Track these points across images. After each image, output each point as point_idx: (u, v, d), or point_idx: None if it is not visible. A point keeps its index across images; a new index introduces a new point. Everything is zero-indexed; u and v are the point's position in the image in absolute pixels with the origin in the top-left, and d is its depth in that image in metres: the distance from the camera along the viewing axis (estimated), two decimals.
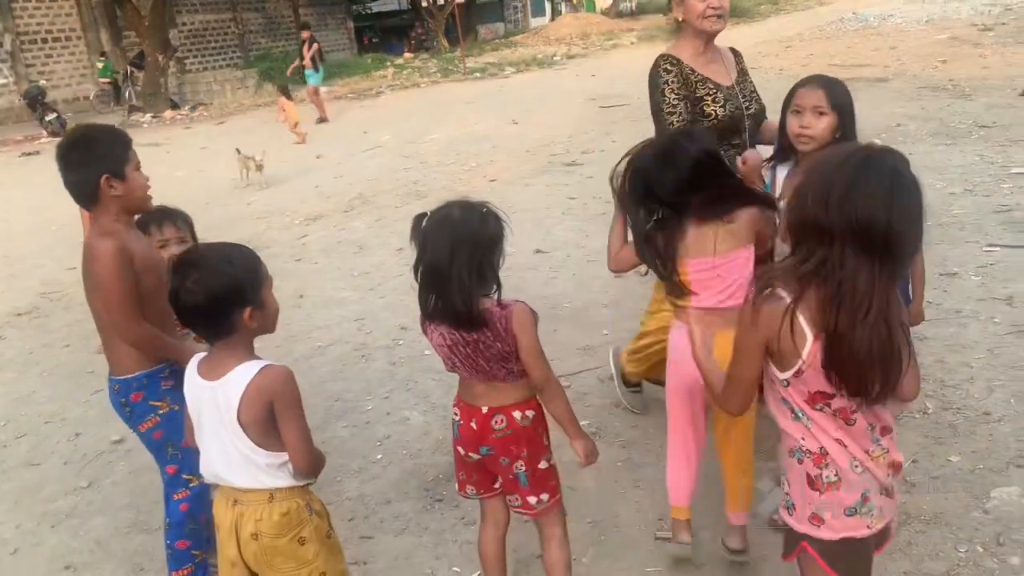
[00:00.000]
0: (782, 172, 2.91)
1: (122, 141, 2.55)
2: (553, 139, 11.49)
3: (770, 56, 19.19)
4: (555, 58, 24.84)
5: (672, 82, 3.23)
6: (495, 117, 14.21)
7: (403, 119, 15.32)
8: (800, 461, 1.79)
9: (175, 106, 21.08)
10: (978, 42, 17.38)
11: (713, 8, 3.15)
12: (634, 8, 45.64)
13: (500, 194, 8.52)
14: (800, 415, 1.76)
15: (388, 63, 26.76)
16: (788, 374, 1.71)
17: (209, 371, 2.04)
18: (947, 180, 7.16)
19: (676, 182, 2.44)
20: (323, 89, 17.58)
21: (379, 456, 3.70)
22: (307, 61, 16.43)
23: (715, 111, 3.23)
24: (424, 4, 34.31)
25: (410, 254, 2.24)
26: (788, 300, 1.64)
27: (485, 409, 2.31)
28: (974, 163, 7.78)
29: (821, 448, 1.75)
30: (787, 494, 1.85)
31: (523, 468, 2.33)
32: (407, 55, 30.27)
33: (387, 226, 7.72)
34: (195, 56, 25.58)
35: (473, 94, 18.18)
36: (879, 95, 12.12)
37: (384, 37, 36.50)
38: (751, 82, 3.40)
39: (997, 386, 3.60)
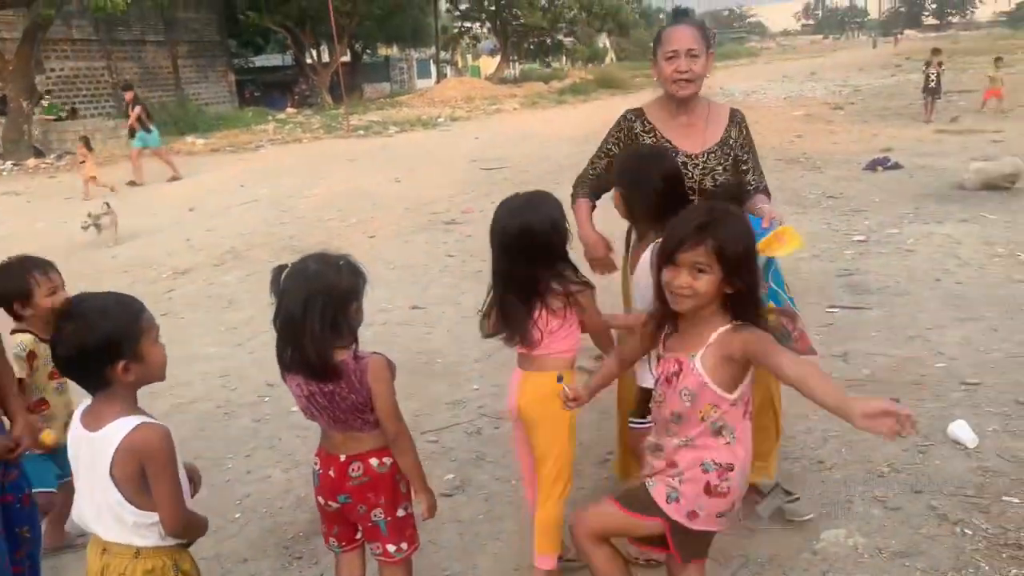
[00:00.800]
0: None
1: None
2: (434, 198, 11.66)
3: None
4: (439, 119, 25.26)
5: (616, 133, 3.26)
6: (377, 175, 14.29)
7: (283, 174, 15.18)
8: (706, 471, 2.17)
9: (39, 154, 20.15)
10: (830, 119, 18.87)
11: (680, 72, 3.02)
12: (517, 75, 47.12)
13: (379, 250, 8.58)
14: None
15: (270, 117, 26.53)
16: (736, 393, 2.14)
17: (90, 420, 2.01)
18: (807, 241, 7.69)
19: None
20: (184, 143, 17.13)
21: (237, 515, 3.61)
22: (132, 122, 15.46)
23: None
24: (308, 61, 34.32)
25: None
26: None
27: (343, 457, 2.35)
28: (822, 231, 8.40)
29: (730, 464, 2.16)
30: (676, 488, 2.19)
31: (381, 515, 2.36)
32: (290, 110, 30.11)
33: (259, 281, 7.59)
34: (65, 104, 24.59)
35: (356, 151, 18.22)
36: None
37: (266, 91, 36.23)
38: (735, 153, 3.15)
39: (831, 436, 3.88)
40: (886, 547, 3.00)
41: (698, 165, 3.10)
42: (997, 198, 9.43)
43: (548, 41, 44.11)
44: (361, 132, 22.53)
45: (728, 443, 2.17)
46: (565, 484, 2.76)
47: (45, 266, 2.98)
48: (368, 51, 42.28)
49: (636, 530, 2.30)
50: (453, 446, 4.16)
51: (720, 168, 3.11)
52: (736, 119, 3.19)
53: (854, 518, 3.20)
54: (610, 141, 3.30)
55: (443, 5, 42.54)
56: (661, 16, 79.57)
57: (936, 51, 18.64)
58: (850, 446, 3.77)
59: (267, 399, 4.82)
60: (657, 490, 2.22)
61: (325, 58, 36.71)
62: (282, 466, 4.04)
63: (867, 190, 10.46)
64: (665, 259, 2.11)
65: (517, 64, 49.96)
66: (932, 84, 17.61)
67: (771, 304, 2.68)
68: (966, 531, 3.05)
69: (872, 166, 11.98)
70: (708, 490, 2.16)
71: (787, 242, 2.60)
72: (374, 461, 2.34)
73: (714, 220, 2.07)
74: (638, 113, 3.23)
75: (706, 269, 2.05)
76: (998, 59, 19.02)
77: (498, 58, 49.38)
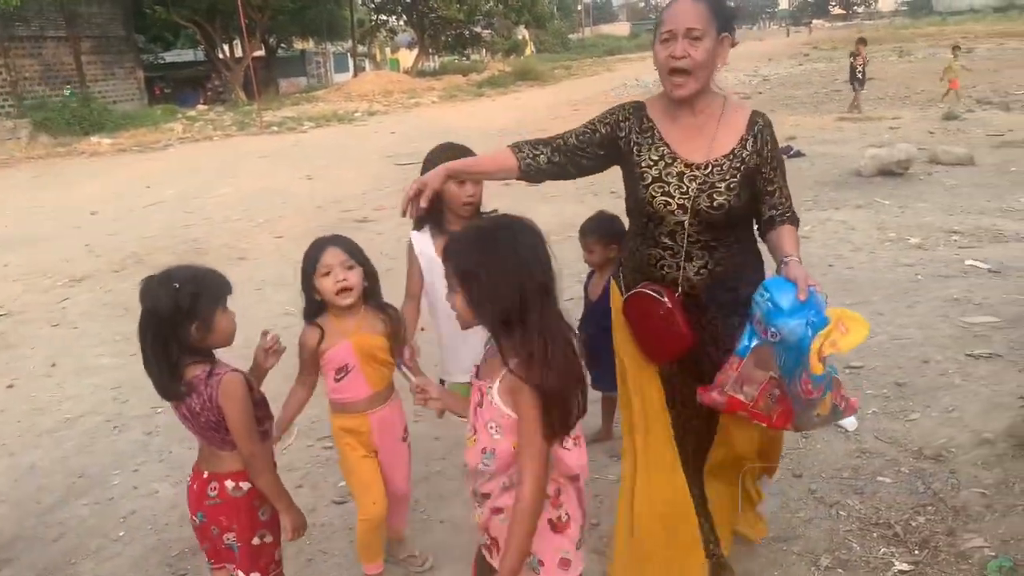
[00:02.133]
0: None
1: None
2: (346, 195, 11.50)
3: (559, 119, 20.25)
4: (356, 114, 24.92)
5: (598, 121, 2.57)
6: (289, 172, 14.02)
7: (191, 173, 14.75)
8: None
9: None
10: None
11: (674, 58, 2.31)
12: (436, 68, 46.85)
13: (285, 251, 8.41)
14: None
15: (180, 115, 25.74)
16: None
17: None
18: None
19: None
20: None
21: (121, 533, 3.49)
22: None
23: (638, 187, 2.47)
24: (220, 56, 33.42)
25: None
26: None
27: (205, 474, 2.31)
28: None
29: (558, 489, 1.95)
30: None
31: (234, 540, 2.31)
32: (201, 107, 29.28)
33: None
34: None
35: (269, 148, 17.84)
36: None
37: (177, 88, 35.08)
38: (748, 169, 2.39)
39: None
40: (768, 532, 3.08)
41: (696, 178, 2.39)
42: (891, 184, 9.81)
43: (466, 34, 43.93)
44: (275, 128, 22.06)
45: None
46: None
47: None
48: (283, 45, 41.38)
49: None
50: None
51: (723, 186, 2.37)
52: (757, 127, 2.42)
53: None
54: (598, 121, 2.58)
55: None
56: (579, 8, 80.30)
57: (861, 40, 18.13)
58: None
59: (160, 411, 4.67)
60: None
61: (239, 53, 35.83)
62: (171, 480, 3.93)
63: None
64: None
65: (436, 57, 49.67)
66: (860, 75, 17.34)
67: (828, 393, 2.26)
68: (840, 512, 3.16)
69: None
70: (553, 526, 1.94)
71: (850, 330, 2.12)
72: (229, 484, 2.30)
73: (455, 240, 1.93)
74: (638, 107, 2.55)
75: (456, 289, 1.89)
76: (956, 48, 18.99)
77: (416, 51, 49.07)
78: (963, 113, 14.91)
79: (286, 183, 12.91)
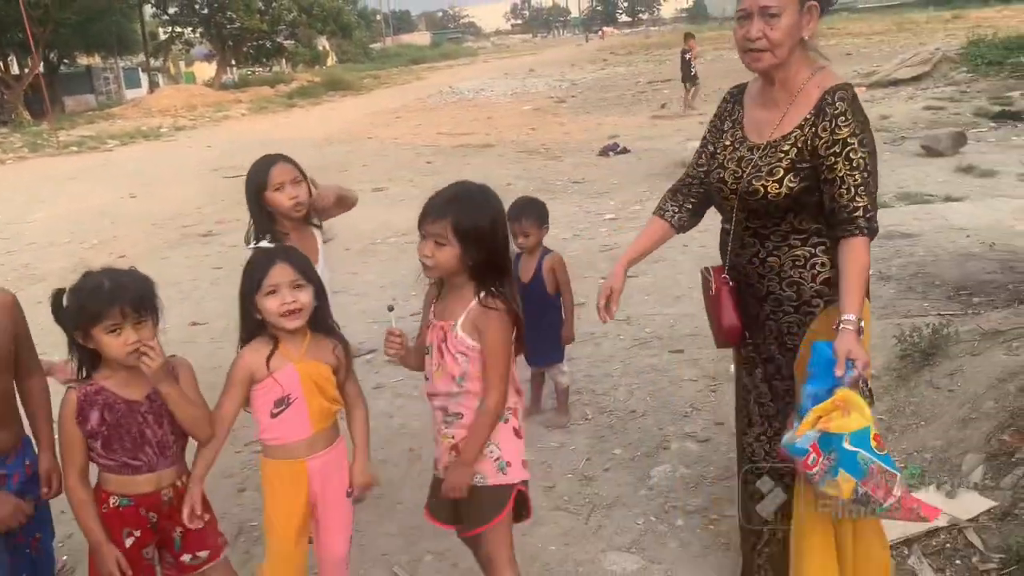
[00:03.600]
0: None
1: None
2: (180, 211, 11.00)
3: (381, 126, 20.31)
4: (162, 130, 23.65)
5: (714, 116, 2.55)
6: (108, 192, 13.16)
7: None
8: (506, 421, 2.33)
9: None
10: (556, 112, 20.17)
11: (748, 40, 2.20)
12: (236, 80, 45.18)
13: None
14: None
15: None
16: None
17: None
18: (558, 227, 8.25)
19: None
20: None
21: None
22: None
23: (711, 174, 2.44)
24: None
25: None
26: None
27: None
28: (575, 212, 9.07)
29: None
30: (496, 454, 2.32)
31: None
32: None
33: None
34: None
35: (74, 169, 16.59)
36: (487, 159, 13.51)
37: None
38: (804, 154, 2.21)
39: (635, 388, 4.31)
40: (707, 474, 3.42)
41: (751, 161, 2.29)
42: None
43: (268, 45, 42.68)
44: (75, 148, 20.50)
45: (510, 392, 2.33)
46: None
47: None
48: (66, 61, 38.40)
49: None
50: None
51: (766, 170, 2.25)
52: (826, 108, 2.18)
53: (674, 454, 3.60)
54: (706, 134, 2.56)
55: (149, 10, 39.63)
56: (377, 17, 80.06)
57: (689, 35, 18.16)
58: (654, 395, 4.21)
59: None
60: (487, 469, 2.30)
61: (15, 70, 32.94)
62: None
63: (605, 174, 11.41)
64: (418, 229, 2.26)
65: (235, 69, 47.88)
66: (693, 71, 17.35)
67: (847, 478, 1.99)
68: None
69: (605, 152, 13.07)
70: (517, 433, 2.36)
71: (850, 415, 1.99)
72: None
73: (456, 198, 2.23)
74: (739, 91, 2.49)
75: (444, 242, 2.18)
76: None
77: (214, 63, 47.05)
78: None
79: (108, 203, 12.14)
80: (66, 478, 2.21)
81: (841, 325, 2.06)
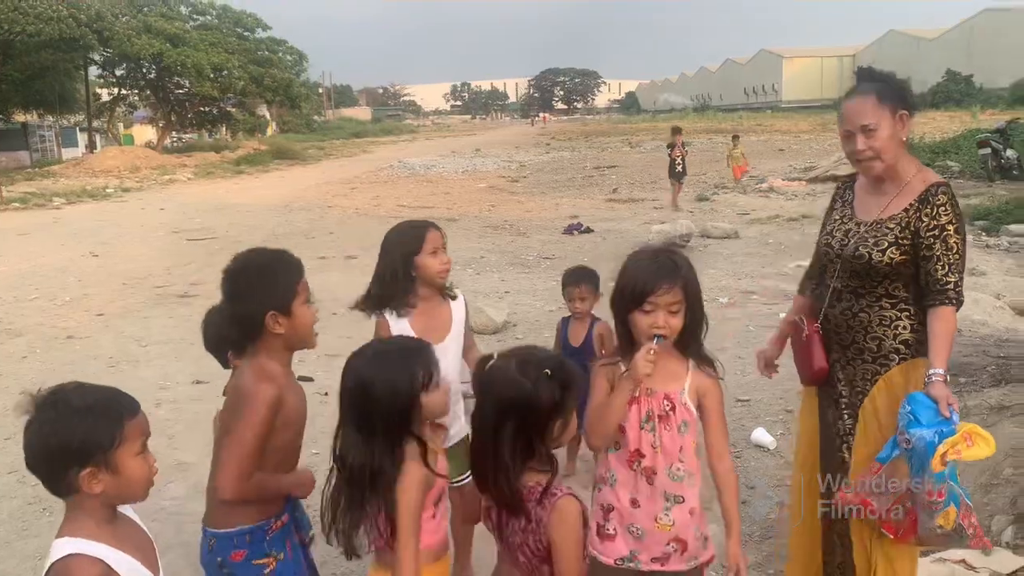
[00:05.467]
0: None
1: (296, 268, 2.27)
2: (149, 271, 10.89)
3: (339, 196, 20.47)
4: (108, 190, 23.32)
5: (830, 204, 2.92)
6: (65, 249, 12.92)
7: None
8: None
9: None
10: (512, 191, 20.70)
11: (857, 154, 2.60)
12: (179, 144, 44.92)
13: (119, 328, 7.89)
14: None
15: None
16: None
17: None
18: (542, 299, 8.50)
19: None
20: None
21: None
22: None
23: (820, 239, 2.86)
24: None
25: None
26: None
27: None
28: (554, 287, 9.28)
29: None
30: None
31: None
32: None
33: None
34: None
35: (23, 225, 16.21)
36: (454, 232, 13.67)
37: None
38: (908, 234, 2.56)
39: None
40: (752, 532, 3.61)
41: (858, 233, 2.68)
42: None
43: (215, 111, 42.70)
44: (17, 204, 20.04)
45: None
46: None
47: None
48: (1, 116, 37.62)
49: None
50: None
51: (872, 240, 2.62)
52: (930, 198, 2.56)
53: (716, 517, 3.76)
54: (827, 211, 2.92)
55: (94, 70, 39.33)
56: (320, 91, 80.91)
57: (677, 130, 17.05)
58: None
59: None
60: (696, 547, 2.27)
61: None
62: None
63: (574, 251, 11.78)
64: (637, 303, 2.17)
65: (178, 134, 47.61)
66: (679, 168, 16.25)
67: (951, 507, 2.33)
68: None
69: (569, 230, 13.50)
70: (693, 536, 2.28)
71: (976, 444, 2.26)
72: None
73: (676, 263, 2.22)
74: (851, 181, 2.88)
75: (678, 309, 2.17)
76: (735, 138, 20.78)
77: (152, 126, 46.67)
78: (711, 195, 17.24)
79: (69, 260, 11.92)
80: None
81: (933, 377, 2.39)
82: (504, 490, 1.94)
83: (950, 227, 2.53)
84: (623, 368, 2.20)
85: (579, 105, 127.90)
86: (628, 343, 2.23)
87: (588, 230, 13.50)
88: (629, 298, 2.18)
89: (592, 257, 11.21)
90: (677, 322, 2.17)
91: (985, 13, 62.40)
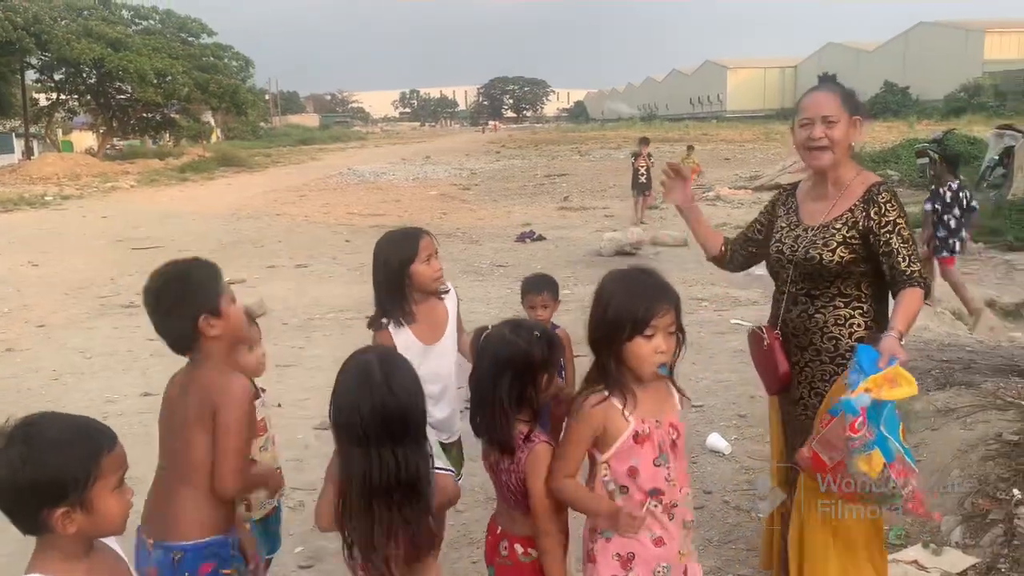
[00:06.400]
0: None
1: (214, 270, 2.30)
2: (92, 281, 10.63)
3: (288, 204, 20.22)
4: (47, 198, 22.65)
5: (765, 208, 3.08)
6: (2, 259, 12.52)
7: None
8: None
9: None
10: (464, 199, 20.68)
11: (812, 140, 2.70)
12: (121, 151, 43.91)
13: (61, 339, 7.68)
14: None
15: None
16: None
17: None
18: (496, 307, 8.50)
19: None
20: None
21: None
22: None
23: (770, 248, 2.94)
24: None
25: None
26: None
27: (499, 530, 2.35)
28: (508, 295, 9.33)
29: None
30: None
31: None
32: None
33: None
34: None
35: None
36: None
37: None
38: (859, 232, 2.68)
39: None
40: (711, 537, 3.65)
41: (807, 237, 2.78)
42: (629, 262, 11.25)
43: (158, 118, 41.83)
44: None
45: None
46: None
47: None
48: None
49: None
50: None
51: (821, 242, 2.73)
52: (873, 196, 2.70)
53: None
54: (759, 213, 3.11)
55: (31, 75, 38.24)
56: (266, 98, 80.00)
57: (644, 141, 16.18)
58: None
59: None
60: None
61: None
62: None
63: (527, 259, 11.82)
64: (639, 330, 2.08)
65: (119, 140, 46.52)
66: (643, 179, 15.12)
67: (877, 453, 2.26)
68: (759, 515, 3.83)
69: (522, 238, 13.54)
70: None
71: (900, 384, 2.27)
72: (519, 548, 2.26)
73: (664, 281, 2.15)
74: (792, 189, 3.01)
75: (674, 332, 2.12)
76: (690, 148, 20.90)
77: (91, 132, 45.56)
78: (660, 203, 17.43)
79: (7, 270, 11.56)
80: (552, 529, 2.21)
81: (890, 334, 2.39)
82: (503, 433, 2.17)
83: (900, 220, 2.66)
84: (618, 404, 2.10)
85: (528, 113, 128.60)
86: (615, 375, 2.11)
87: (541, 238, 13.57)
88: (630, 327, 2.07)
89: (545, 264, 11.26)
90: (673, 343, 2.11)
91: (920, 26, 64.48)
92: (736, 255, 3.15)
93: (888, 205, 2.68)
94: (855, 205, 2.71)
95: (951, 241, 7.92)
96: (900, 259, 2.61)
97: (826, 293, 2.75)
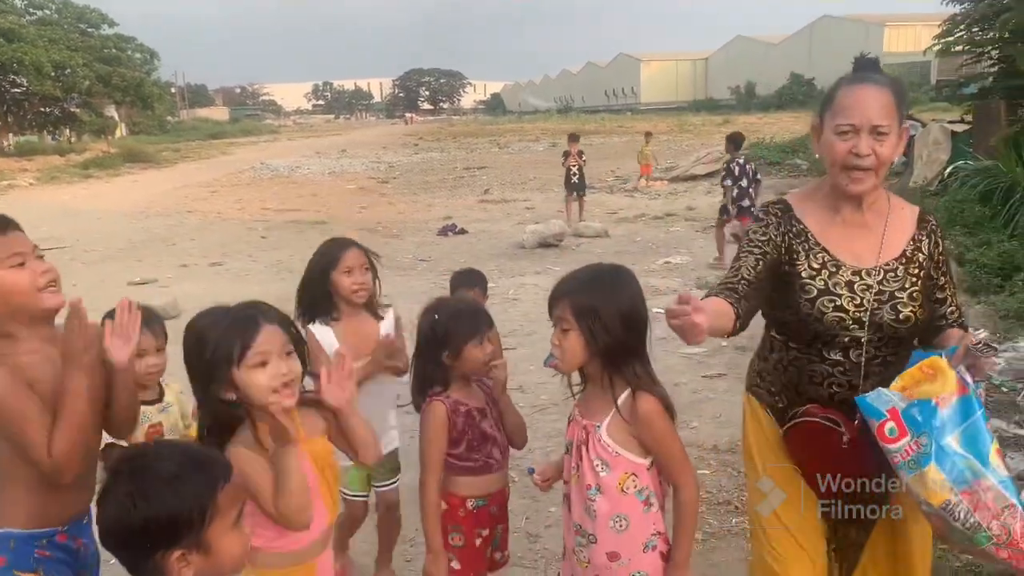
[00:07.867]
0: None
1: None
2: None
3: (199, 200, 19.62)
4: None
5: (754, 240, 2.16)
6: None
7: None
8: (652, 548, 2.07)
9: None
10: (382, 192, 20.44)
11: (858, 156, 2.00)
12: (13, 147, 41.85)
13: None
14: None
15: None
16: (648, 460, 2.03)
17: None
18: (420, 303, 8.39)
19: None
20: None
21: None
22: None
23: (799, 300, 2.08)
24: None
25: None
26: None
27: None
28: (432, 289, 9.26)
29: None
30: None
31: None
32: None
33: None
34: None
35: None
36: (324, 235, 13.14)
37: None
38: (926, 274, 2.12)
39: (549, 451, 4.52)
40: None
41: (871, 287, 2.06)
42: (553, 253, 11.36)
43: (58, 112, 39.97)
44: None
45: (656, 511, 2.07)
46: None
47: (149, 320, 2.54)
48: None
49: None
50: None
51: (905, 295, 2.07)
52: (929, 225, 2.15)
53: None
54: (747, 243, 2.19)
55: None
56: (172, 91, 77.54)
57: (574, 137, 14.65)
58: None
59: None
60: None
61: None
62: None
63: (449, 252, 11.75)
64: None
65: (12, 135, 44.31)
66: (575, 179, 13.78)
67: (933, 468, 1.79)
68: None
69: (444, 232, 13.48)
70: (664, 557, 2.09)
71: (937, 379, 1.83)
72: None
73: (584, 282, 2.04)
74: (784, 209, 2.20)
75: (568, 327, 2.00)
76: (648, 135, 20.68)
77: None
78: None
79: None
80: (427, 484, 2.42)
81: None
82: (414, 399, 2.53)
83: (947, 255, 2.21)
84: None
85: (445, 105, 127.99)
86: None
87: (463, 231, 13.52)
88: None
89: (468, 258, 11.22)
90: (567, 343, 2.06)
91: (824, 19, 66.73)
92: (745, 321, 2.10)
93: (941, 236, 2.18)
94: (915, 237, 2.13)
95: (739, 205, 9.88)
96: (956, 303, 2.18)
97: (903, 356, 2.05)
